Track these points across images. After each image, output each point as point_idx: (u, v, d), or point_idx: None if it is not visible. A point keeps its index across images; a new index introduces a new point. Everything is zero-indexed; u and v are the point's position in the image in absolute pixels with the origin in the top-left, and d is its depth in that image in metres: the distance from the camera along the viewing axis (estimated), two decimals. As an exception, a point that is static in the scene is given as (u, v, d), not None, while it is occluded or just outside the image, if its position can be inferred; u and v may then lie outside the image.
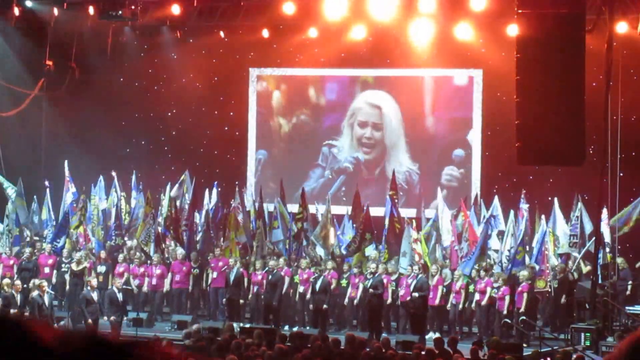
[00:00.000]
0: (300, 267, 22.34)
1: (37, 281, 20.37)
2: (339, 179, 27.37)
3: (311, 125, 28.00)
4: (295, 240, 23.30)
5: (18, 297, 19.63)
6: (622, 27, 22.53)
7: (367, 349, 15.29)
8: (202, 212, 24.66)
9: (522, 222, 22.92)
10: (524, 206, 23.20)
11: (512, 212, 22.92)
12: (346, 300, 22.00)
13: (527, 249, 22.38)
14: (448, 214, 23.85)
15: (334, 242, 23.37)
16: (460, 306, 21.38)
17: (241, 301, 22.41)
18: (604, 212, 21.64)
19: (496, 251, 22.78)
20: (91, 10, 24.79)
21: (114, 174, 25.97)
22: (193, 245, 23.74)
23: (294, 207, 24.21)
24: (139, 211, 25.04)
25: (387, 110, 27.09)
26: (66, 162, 25.92)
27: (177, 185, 25.55)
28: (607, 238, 22.13)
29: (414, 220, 23.51)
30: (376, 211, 23.71)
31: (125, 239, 24.41)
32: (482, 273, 21.29)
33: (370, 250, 22.92)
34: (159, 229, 23.68)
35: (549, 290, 21.64)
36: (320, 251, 23.31)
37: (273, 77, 28.20)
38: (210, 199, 25.49)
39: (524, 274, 21.00)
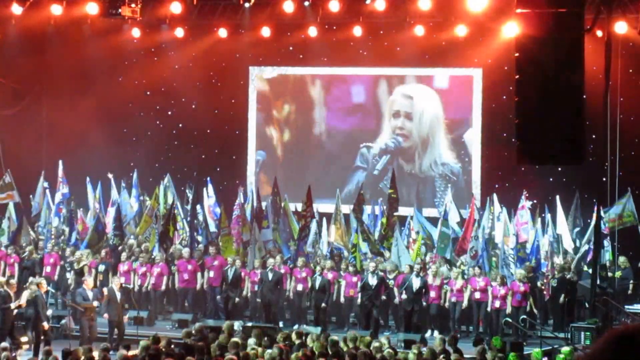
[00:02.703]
0: (297, 266, 22.37)
1: (35, 279, 20.40)
2: (383, 158, 27.19)
3: (316, 124, 28.00)
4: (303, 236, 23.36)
5: (14, 296, 19.58)
6: (621, 27, 22.55)
7: (368, 349, 15.32)
8: (202, 211, 24.76)
9: (521, 221, 22.95)
10: (527, 204, 23.22)
11: (512, 212, 22.98)
12: (342, 298, 22.03)
13: (526, 248, 22.43)
14: (456, 213, 23.94)
15: (339, 241, 23.44)
16: (464, 305, 21.36)
17: (237, 299, 22.44)
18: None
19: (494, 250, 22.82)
20: (91, 8, 24.78)
21: (110, 175, 26.01)
22: (194, 244, 23.82)
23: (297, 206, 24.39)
24: (127, 210, 25.05)
25: (418, 101, 27.06)
26: (60, 162, 25.94)
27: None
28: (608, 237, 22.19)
29: (412, 220, 23.59)
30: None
31: (126, 237, 24.44)
32: (478, 271, 21.34)
33: (366, 248, 22.94)
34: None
35: (543, 288, 21.71)
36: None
37: (273, 76, 28.22)
38: (208, 197, 25.57)
39: (521, 272, 21.04)
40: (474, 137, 26.59)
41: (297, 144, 28.20)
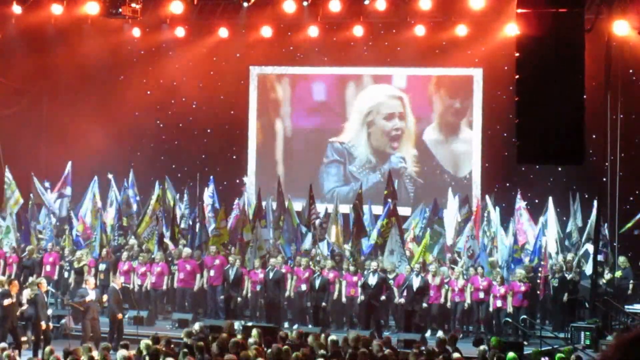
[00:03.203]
0: (299, 266, 22.36)
1: (35, 279, 20.39)
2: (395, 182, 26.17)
3: (314, 123, 27.99)
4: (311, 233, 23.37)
5: (15, 296, 19.55)
6: (621, 27, 22.54)
7: (368, 348, 15.32)
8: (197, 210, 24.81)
9: (521, 220, 22.96)
10: (522, 204, 23.22)
11: (513, 212, 22.99)
12: (344, 298, 22.03)
13: (526, 247, 22.44)
14: (456, 213, 23.96)
15: (334, 240, 23.44)
16: (466, 305, 21.34)
17: (239, 299, 22.44)
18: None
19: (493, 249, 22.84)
20: (91, 8, 24.77)
21: (110, 176, 26.03)
22: (195, 243, 23.84)
23: (297, 205, 24.40)
24: (122, 208, 25.07)
25: (406, 102, 27.10)
26: (70, 163, 26.09)
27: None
28: (607, 237, 22.18)
29: (412, 221, 23.60)
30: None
31: (128, 237, 24.48)
32: (480, 270, 21.34)
33: (368, 249, 22.95)
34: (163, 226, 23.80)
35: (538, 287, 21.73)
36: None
37: (273, 76, 28.24)
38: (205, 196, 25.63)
39: (520, 272, 21.04)
40: (474, 137, 26.58)
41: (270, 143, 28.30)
